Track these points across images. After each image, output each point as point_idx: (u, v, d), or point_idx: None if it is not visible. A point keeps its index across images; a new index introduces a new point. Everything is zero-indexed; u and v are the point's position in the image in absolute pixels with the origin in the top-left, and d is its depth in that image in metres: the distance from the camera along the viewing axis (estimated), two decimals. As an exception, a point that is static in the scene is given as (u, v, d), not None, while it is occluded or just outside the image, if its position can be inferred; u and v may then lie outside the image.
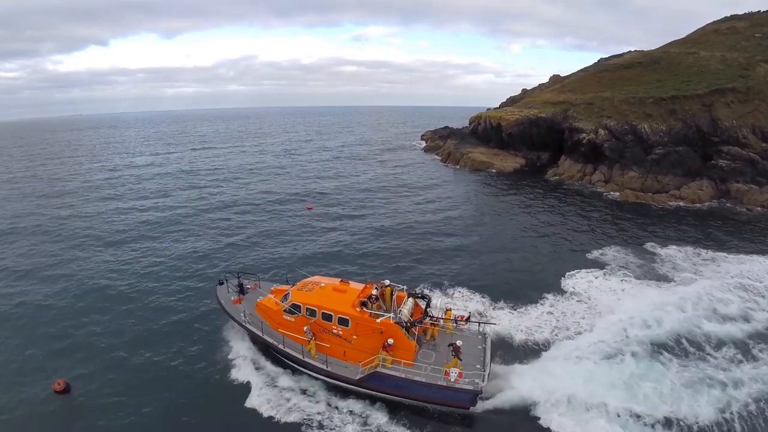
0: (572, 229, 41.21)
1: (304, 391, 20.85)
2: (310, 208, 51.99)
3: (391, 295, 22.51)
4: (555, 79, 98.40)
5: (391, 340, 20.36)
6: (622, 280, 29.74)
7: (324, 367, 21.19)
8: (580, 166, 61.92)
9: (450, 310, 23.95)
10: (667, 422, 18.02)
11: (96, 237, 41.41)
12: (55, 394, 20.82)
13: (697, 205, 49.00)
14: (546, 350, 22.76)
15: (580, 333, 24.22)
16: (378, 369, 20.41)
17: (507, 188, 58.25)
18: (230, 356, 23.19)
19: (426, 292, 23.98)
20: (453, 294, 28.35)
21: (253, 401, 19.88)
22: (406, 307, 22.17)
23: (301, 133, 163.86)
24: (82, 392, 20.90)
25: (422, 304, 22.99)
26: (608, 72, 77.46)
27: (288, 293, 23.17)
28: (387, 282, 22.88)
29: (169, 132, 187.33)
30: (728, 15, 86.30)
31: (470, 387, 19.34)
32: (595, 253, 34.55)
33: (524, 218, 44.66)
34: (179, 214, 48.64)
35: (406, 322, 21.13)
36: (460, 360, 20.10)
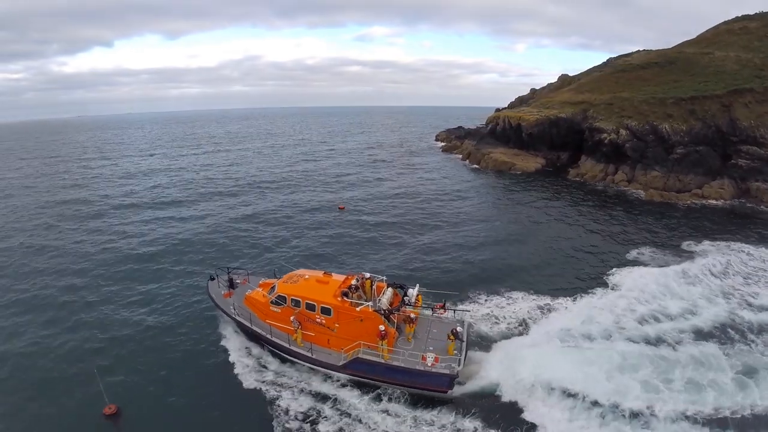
0: (606, 228, 42.84)
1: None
2: (342, 208, 52.43)
3: (371, 285, 23.68)
4: (564, 79, 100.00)
5: (382, 327, 21.31)
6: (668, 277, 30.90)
7: (309, 354, 22.48)
8: (602, 166, 63.54)
9: (420, 295, 24.82)
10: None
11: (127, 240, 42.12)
12: (105, 418, 20.05)
13: (721, 202, 50.73)
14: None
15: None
16: (360, 355, 21.57)
17: (533, 189, 59.72)
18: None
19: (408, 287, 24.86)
20: (507, 294, 29.30)
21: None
22: (386, 296, 23.26)
23: (313, 133, 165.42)
24: (133, 418, 20.26)
25: (402, 294, 24.31)
26: (625, 72, 79.16)
27: (274, 286, 24.35)
28: (367, 274, 24.15)
29: (178, 133, 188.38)
30: (739, 15, 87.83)
31: (447, 371, 20.49)
32: (633, 252, 36.16)
33: (559, 219, 46.20)
34: (209, 215, 49.99)
35: (384, 310, 22.22)
36: (462, 342, 21.58)
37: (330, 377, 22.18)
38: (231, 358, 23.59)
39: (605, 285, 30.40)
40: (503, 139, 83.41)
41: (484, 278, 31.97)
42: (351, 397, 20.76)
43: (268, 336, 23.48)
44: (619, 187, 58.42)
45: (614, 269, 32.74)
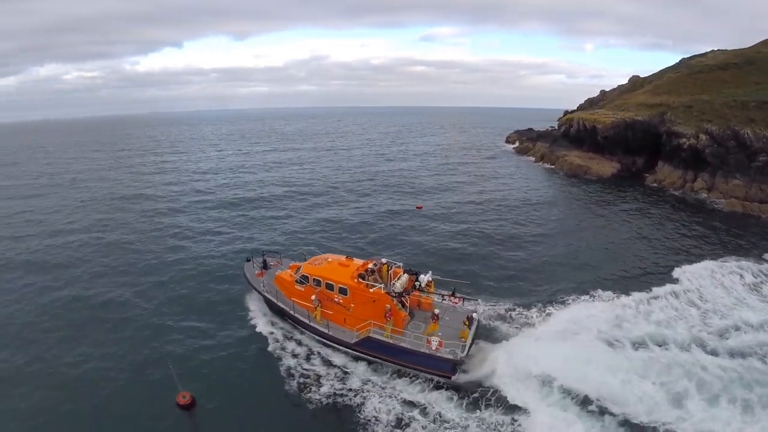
0: (682, 238, 43.23)
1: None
2: (419, 208, 53.83)
3: (388, 270, 24.97)
4: (635, 80, 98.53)
5: (388, 306, 22.85)
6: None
7: (326, 330, 24.34)
8: (680, 173, 63.43)
9: (432, 282, 26.17)
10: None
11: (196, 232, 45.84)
12: (178, 408, 20.49)
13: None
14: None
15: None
16: (371, 335, 22.97)
17: (608, 194, 60.61)
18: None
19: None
20: (595, 297, 30.70)
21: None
22: (400, 281, 24.58)
23: (382, 133, 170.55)
24: (208, 409, 20.78)
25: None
26: (702, 73, 78.01)
27: (300, 267, 26.69)
28: (384, 260, 25.90)
29: (247, 130, 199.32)
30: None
31: (450, 356, 21.47)
32: (709, 264, 35.95)
33: (634, 227, 46.77)
34: (286, 214, 52.81)
35: (396, 293, 23.74)
36: (470, 329, 22.77)
37: (421, 385, 22.39)
38: (311, 364, 23.97)
39: (677, 295, 30.83)
40: (577, 141, 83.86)
41: (554, 279, 33.96)
42: (447, 409, 20.50)
43: (291, 312, 25.79)
44: (698, 195, 58.21)
45: (688, 280, 33.09)
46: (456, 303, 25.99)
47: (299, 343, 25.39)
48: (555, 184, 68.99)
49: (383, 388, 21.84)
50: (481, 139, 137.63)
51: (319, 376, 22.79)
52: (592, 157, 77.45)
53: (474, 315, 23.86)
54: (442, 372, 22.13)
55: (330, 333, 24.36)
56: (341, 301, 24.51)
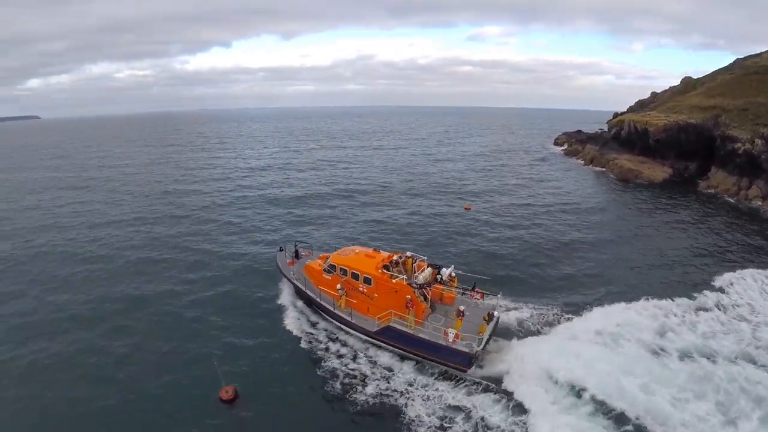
0: (738, 247, 42.58)
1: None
2: (468, 208, 54.27)
3: (413, 263, 26.09)
4: (687, 81, 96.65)
5: (409, 296, 23.54)
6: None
7: (349, 319, 25.20)
8: (734, 179, 62.53)
9: (455, 277, 26.96)
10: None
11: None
12: (221, 402, 20.84)
13: None
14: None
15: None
16: (391, 324, 23.63)
17: (660, 199, 60.42)
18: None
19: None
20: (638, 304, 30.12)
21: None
22: (423, 274, 25.39)
23: (429, 133, 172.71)
24: (251, 404, 21.02)
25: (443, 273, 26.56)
26: (758, 74, 76.34)
27: (329, 257, 27.77)
28: (409, 253, 26.95)
29: (296, 128, 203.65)
30: None
31: (466, 349, 21.83)
32: (762, 275, 35.36)
33: (688, 234, 46.58)
34: (333, 211, 54.60)
35: (418, 285, 24.50)
36: (489, 325, 23.25)
37: (463, 383, 22.78)
38: (356, 363, 24.15)
39: (725, 308, 30.26)
40: (628, 144, 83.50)
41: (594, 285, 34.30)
42: (491, 414, 20.28)
43: (317, 299, 26.86)
44: (752, 204, 57.07)
45: (737, 293, 32.49)
46: (478, 299, 26.67)
47: (344, 343, 25.71)
48: (604, 189, 69.20)
49: (427, 390, 21.98)
50: (529, 140, 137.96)
51: (364, 376, 22.96)
52: (643, 161, 77.12)
53: (495, 312, 24.38)
54: (457, 364, 22.57)
55: (353, 321, 25.28)
56: (365, 290, 25.38)
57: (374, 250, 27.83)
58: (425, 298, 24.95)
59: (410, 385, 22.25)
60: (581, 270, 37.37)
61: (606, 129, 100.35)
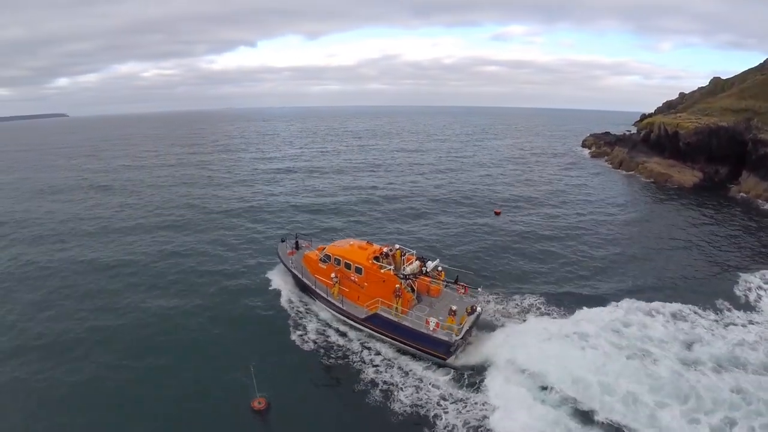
0: (760, 256, 42.13)
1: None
2: (498, 213, 54.27)
3: (401, 255, 27.46)
4: (717, 82, 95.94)
5: (398, 285, 25.12)
6: None
7: (340, 305, 27.24)
8: (766, 185, 62.13)
9: (443, 272, 28.65)
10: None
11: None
12: (253, 413, 20.76)
13: None
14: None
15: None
16: (379, 312, 25.29)
17: (691, 205, 60.21)
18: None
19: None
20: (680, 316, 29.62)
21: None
22: (411, 266, 26.87)
23: (456, 133, 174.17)
24: (282, 415, 21.02)
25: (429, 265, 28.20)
26: (793, 75, 75.83)
27: (325, 248, 29.83)
28: (397, 246, 28.43)
29: (322, 127, 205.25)
30: None
31: (445, 338, 23.24)
32: None
33: (718, 242, 46.08)
34: (356, 210, 55.93)
35: (405, 275, 26.07)
36: (470, 317, 24.57)
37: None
38: (389, 374, 23.99)
39: (754, 321, 29.48)
40: (657, 147, 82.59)
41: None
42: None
43: (313, 287, 29.02)
44: None
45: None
46: (463, 293, 27.97)
47: (377, 353, 25.80)
48: (634, 193, 69.22)
49: (465, 404, 21.65)
50: (557, 142, 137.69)
51: (396, 387, 22.86)
52: (673, 165, 76.44)
53: (478, 307, 25.71)
54: (437, 352, 23.95)
55: (344, 308, 27.21)
56: (356, 279, 27.19)
57: (367, 242, 29.61)
58: (412, 289, 26.52)
59: (444, 399, 22.01)
60: (604, 274, 37.51)
61: (633, 130, 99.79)
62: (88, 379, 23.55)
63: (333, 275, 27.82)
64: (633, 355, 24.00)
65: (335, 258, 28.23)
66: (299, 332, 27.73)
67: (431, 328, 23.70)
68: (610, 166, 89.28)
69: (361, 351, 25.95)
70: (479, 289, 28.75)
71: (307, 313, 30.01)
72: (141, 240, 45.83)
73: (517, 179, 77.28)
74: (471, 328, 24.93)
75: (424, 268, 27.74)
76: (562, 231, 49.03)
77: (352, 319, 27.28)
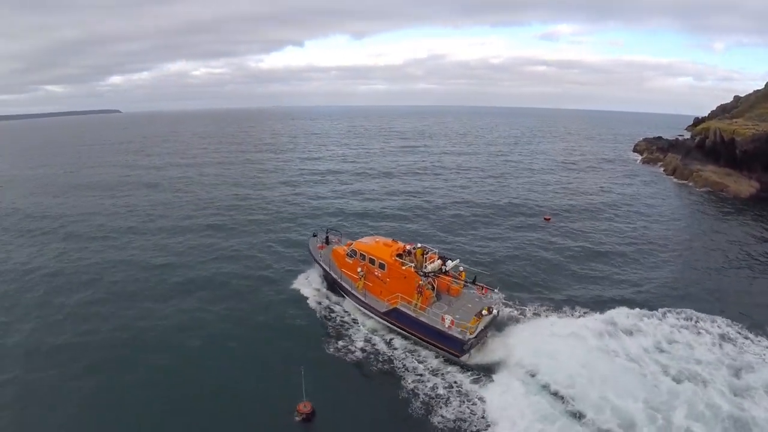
0: None
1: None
2: (548, 219, 54.09)
3: (423, 254, 28.36)
4: None
5: (421, 282, 26.28)
6: None
7: (363, 299, 28.69)
8: None
9: (464, 272, 29.30)
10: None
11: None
12: (297, 416, 20.79)
13: None
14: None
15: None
16: (398, 307, 26.29)
17: (747, 218, 58.41)
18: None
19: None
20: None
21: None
22: (432, 264, 27.77)
23: (505, 135, 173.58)
24: (327, 422, 21.08)
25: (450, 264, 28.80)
26: None
27: (352, 243, 31.20)
28: (419, 244, 29.46)
29: (371, 127, 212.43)
30: None
31: (459, 336, 23.85)
32: None
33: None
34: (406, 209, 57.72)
35: (425, 273, 26.98)
36: (488, 318, 25.20)
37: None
38: (435, 385, 23.75)
39: None
40: (712, 154, 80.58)
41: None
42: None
43: (339, 280, 30.60)
44: None
45: None
46: (483, 294, 28.53)
47: (423, 360, 25.70)
48: (688, 204, 67.40)
49: (514, 420, 20.83)
50: (607, 146, 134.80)
51: (443, 399, 22.55)
52: (729, 173, 74.11)
53: (494, 307, 26.15)
54: (451, 349, 24.68)
55: (366, 301, 28.63)
56: (380, 275, 28.73)
57: (393, 240, 31.16)
58: (432, 287, 27.57)
59: (499, 410, 21.41)
60: (654, 288, 36.97)
61: (686, 135, 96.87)
62: (142, 382, 24.33)
63: (359, 270, 29.29)
64: (680, 376, 22.84)
65: (361, 253, 29.81)
66: (344, 341, 27.78)
67: (446, 325, 24.56)
68: (662, 171, 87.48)
69: (405, 358, 25.98)
70: (496, 290, 28.51)
71: (354, 323, 29.93)
72: (187, 241, 46.87)
73: (568, 186, 76.58)
74: (486, 328, 25.53)
75: (443, 267, 28.61)
76: (612, 242, 48.59)
77: (373, 312, 28.63)
